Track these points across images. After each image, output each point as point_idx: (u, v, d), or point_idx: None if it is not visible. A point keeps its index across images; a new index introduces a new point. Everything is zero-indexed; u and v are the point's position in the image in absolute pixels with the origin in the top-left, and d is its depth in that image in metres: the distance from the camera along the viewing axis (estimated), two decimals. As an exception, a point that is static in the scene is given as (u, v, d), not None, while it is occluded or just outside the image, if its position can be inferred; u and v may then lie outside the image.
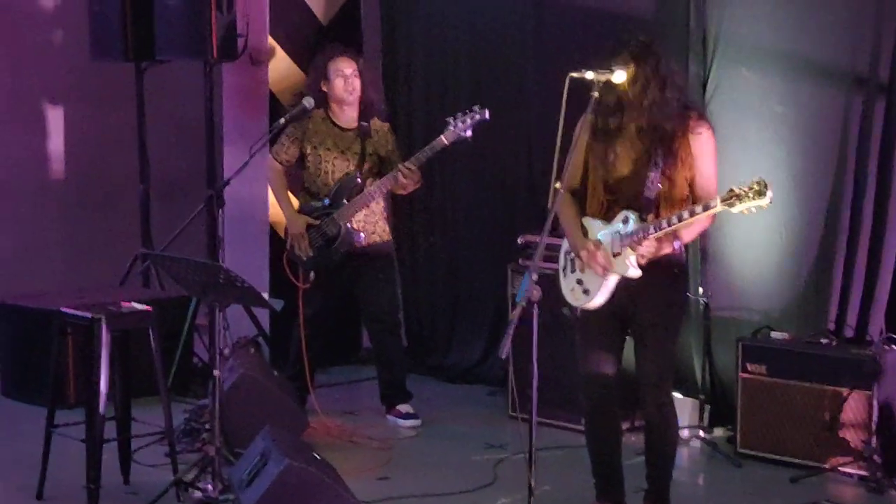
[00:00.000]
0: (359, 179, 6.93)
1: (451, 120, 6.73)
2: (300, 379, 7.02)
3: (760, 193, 4.81)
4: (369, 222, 7.00)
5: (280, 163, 7.10)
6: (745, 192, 4.83)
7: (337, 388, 7.84)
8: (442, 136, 6.73)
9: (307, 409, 6.91)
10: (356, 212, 6.91)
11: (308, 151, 7.01)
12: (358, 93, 6.97)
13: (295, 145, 7.04)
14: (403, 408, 7.12)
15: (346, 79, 6.93)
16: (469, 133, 6.71)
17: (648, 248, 5.10)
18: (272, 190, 7.25)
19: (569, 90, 4.98)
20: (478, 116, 6.68)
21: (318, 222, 6.94)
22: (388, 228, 7.14)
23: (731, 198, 4.86)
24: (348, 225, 6.90)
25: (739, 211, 4.87)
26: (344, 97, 6.96)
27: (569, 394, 6.47)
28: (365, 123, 7.00)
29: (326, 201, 6.95)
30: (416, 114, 8.29)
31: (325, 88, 6.96)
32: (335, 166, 6.96)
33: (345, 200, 6.91)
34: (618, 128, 5.20)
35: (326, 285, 7.04)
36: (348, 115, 7.02)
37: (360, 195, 6.90)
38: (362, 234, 6.94)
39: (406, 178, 6.80)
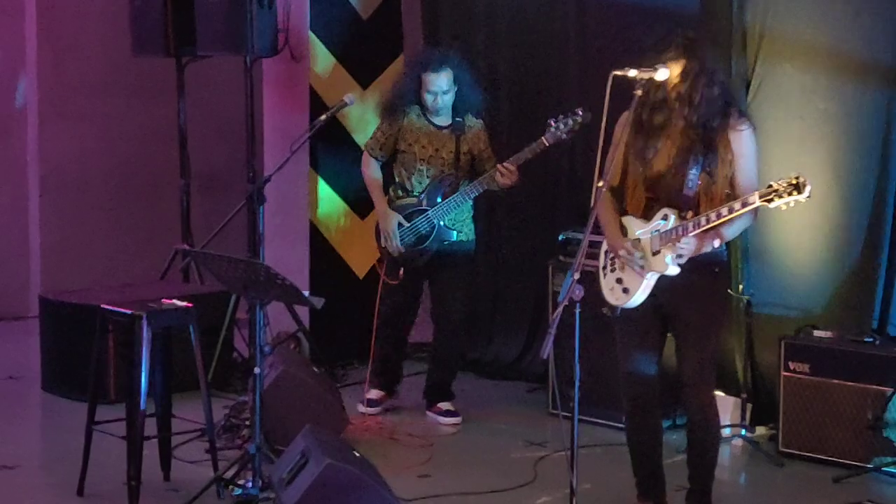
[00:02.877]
0: (454, 178, 6.89)
1: (552, 122, 6.65)
2: (386, 374, 7.19)
3: (798, 188, 4.77)
4: (458, 220, 6.96)
5: (374, 158, 7.05)
6: (783, 188, 4.79)
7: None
8: (543, 138, 6.67)
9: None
10: (450, 211, 6.88)
11: (402, 148, 6.95)
12: (448, 106, 6.90)
13: (390, 141, 6.98)
14: (444, 405, 7.12)
15: (436, 96, 6.84)
16: (570, 135, 6.66)
17: (688, 245, 5.06)
18: (366, 184, 7.14)
19: (612, 88, 4.94)
20: (580, 119, 6.61)
21: (409, 222, 6.90)
22: (473, 228, 7.07)
23: (769, 193, 4.82)
24: (441, 223, 6.89)
25: (777, 206, 4.82)
26: (432, 110, 6.91)
27: (609, 391, 6.44)
28: (459, 119, 6.93)
29: (423, 198, 6.90)
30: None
31: (418, 93, 6.90)
32: (430, 164, 6.92)
33: (439, 199, 6.88)
34: (662, 124, 5.16)
35: (409, 284, 7.05)
36: (443, 115, 6.95)
37: (455, 194, 6.86)
38: (454, 233, 6.92)
39: (504, 178, 6.73)
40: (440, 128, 6.94)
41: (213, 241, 8.01)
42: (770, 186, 4.83)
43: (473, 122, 6.97)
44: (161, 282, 8.02)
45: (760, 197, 4.85)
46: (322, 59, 8.19)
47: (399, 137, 6.94)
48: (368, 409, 7.14)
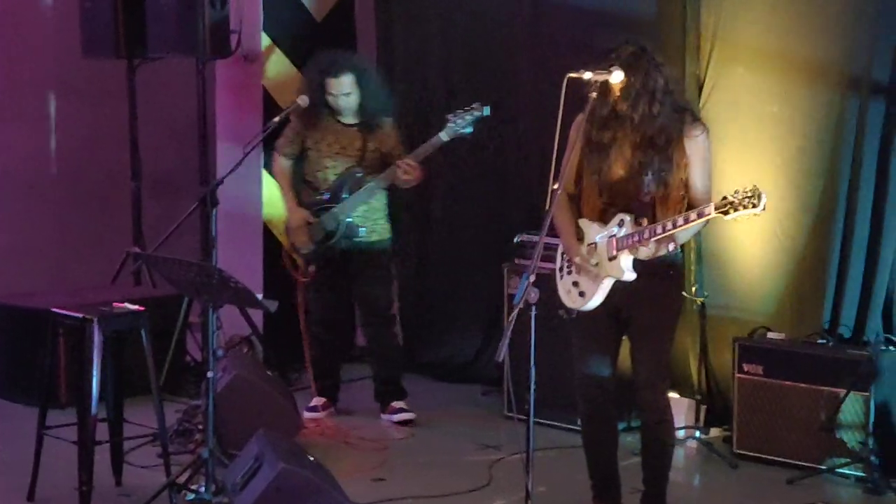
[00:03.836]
0: (359, 174, 6.92)
1: (450, 116, 6.75)
2: (323, 378, 7.15)
3: (754, 201, 4.81)
4: (370, 219, 6.99)
5: (284, 156, 7.10)
6: (738, 200, 4.83)
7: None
8: (441, 133, 6.76)
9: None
10: (356, 207, 6.91)
11: (310, 146, 7.01)
12: (353, 108, 6.96)
13: (298, 138, 7.03)
14: (398, 404, 7.12)
15: (336, 97, 6.92)
16: (469, 130, 6.75)
17: (647, 252, 5.08)
18: (277, 182, 7.23)
19: (566, 90, 4.94)
20: (477, 113, 6.72)
21: (316, 218, 6.95)
22: (388, 226, 7.11)
23: (725, 205, 4.86)
24: (348, 220, 6.90)
25: (733, 218, 4.86)
26: (338, 112, 6.97)
27: (564, 394, 6.43)
28: (368, 119, 6.98)
29: (327, 195, 6.95)
30: (410, 112, 8.24)
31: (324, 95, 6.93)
32: (336, 161, 6.96)
33: (345, 195, 6.91)
34: (610, 141, 5.18)
35: (332, 282, 7.07)
36: (350, 115, 7.00)
37: (360, 190, 6.89)
38: (362, 229, 6.95)
39: (406, 173, 6.80)
40: (347, 125, 6.99)
41: (165, 244, 7.94)
42: (726, 199, 4.85)
43: (383, 122, 7.02)
44: (112, 285, 7.95)
45: (716, 209, 4.88)
46: (275, 60, 8.16)
47: (307, 136, 6.99)
48: (307, 414, 7.06)
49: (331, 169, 6.97)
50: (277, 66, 8.16)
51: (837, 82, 6.46)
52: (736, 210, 4.84)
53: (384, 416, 7.12)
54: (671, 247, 5.16)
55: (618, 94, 5.10)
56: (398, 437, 6.91)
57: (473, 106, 6.73)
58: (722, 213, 4.87)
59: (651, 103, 5.09)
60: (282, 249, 7.24)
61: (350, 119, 6.99)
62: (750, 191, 4.81)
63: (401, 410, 7.09)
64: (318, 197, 6.98)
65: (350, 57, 7.12)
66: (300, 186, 7.11)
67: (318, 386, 7.18)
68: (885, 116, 6.31)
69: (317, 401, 7.15)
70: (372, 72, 7.16)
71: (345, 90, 6.89)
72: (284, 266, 7.24)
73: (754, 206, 4.81)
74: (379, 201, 7.03)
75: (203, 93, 7.92)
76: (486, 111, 6.70)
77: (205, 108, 7.96)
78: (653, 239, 5.03)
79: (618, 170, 5.20)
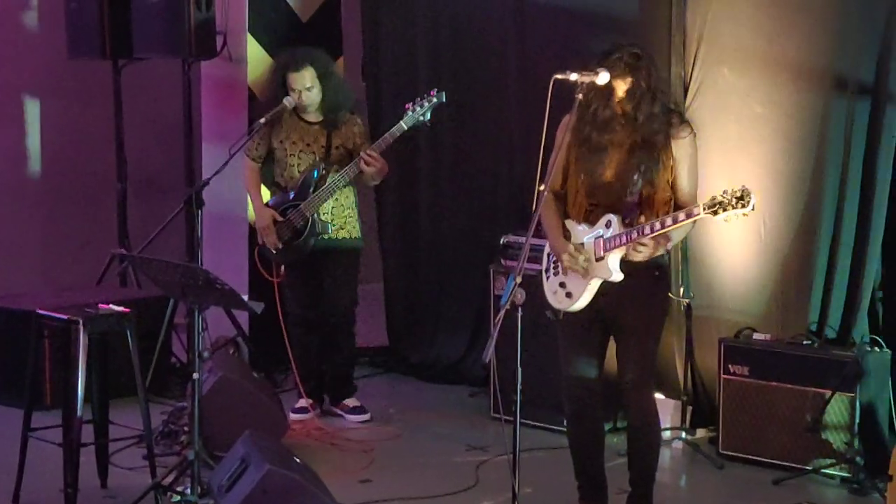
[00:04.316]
0: (323, 171, 6.92)
1: (409, 105, 6.78)
2: (309, 379, 7.14)
3: (743, 202, 4.82)
4: (338, 216, 6.99)
5: (252, 159, 7.10)
6: (727, 200, 4.84)
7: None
8: (401, 122, 6.78)
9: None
10: (322, 202, 6.90)
11: (275, 146, 7.01)
12: (315, 102, 6.95)
13: (264, 140, 7.03)
14: (350, 402, 7.17)
15: (300, 93, 6.89)
16: (427, 117, 6.78)
17: (644, 253, 5.08)
18: (245, 186, 7.25)
19: (552, 91, 4.94)
20: (435, 100, 6.78)
21: (283, 217, 6.94)
22: (358, 226, 7.09)
23: (713, 205, 4.87)
24: (315, 216, 6.90)
25: (721, 218, 4.86)
26: (301, 108, 6.96)
27: (551, 394, 6.44)
28: (332, 115, 6.98)
29: (292, 194, 6.95)
30: (397, 111, 8.22)
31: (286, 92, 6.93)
32: (301, 159, 6.96)
33: (310, 192, 6.90)
34: (609, 143, 5.18)
35: (304, 281, 7.06)
36: (313, 112, 7.00)
37: (325, 185, 6.88)
38: (330, 225, 6.94)
39: (369, 164, 6.77)
40: (311, 123, 6.99)
41: (150, 245, 7.94)
42: (714, 199, 4.86)
43: (348, 118, 7.02)
44: (98, 286, 7.93)
45: (705, 209, 4.89)
46: (261, 61, 8.14)
47: (272, 136, 6.99)
48: (293, 415, 7.05)
49: (296, 167, 6.96)
50: (263, 66, 8.14)
51: (823, 83, 6.47)
52: (725, 210, 4.85)
53: (336, 410, 7.16)
54: (669, 245, 5.18)
55: (622, 95, 5.10)
56: (385, 438, 6.89)
57: (431, 93, 6.76)
58: (711, 213, 4.88)
59: (653, 101, 5.11)
60: (255, 250, 7.23)
61: (313, 116, 6.99)
62: (739, 191, 4.83)
63: (355, 409, 7.14)
64: (285, 196, 6.98)
65: (309, 51, 7.07)
66: (272, 189, 7.12)
67: (304, 387, 7.16)
68: (871, 117, 6.31)
69: (304, 402, 7.14)
70: (332, 66, 7.14)
71: (306, 84, 6.87)
72: (256, 267, 7.22)
73: (743, 206, 4.83)
74: (347, 198, 7.02)
75: (188, 94, 7.92)
76: (443, 98, 6.76)
77: (190, 109, 7.96)
78: (649, 237, 5.03)
79: (609, 171, 5.19)
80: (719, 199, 4.85)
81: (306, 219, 6.90)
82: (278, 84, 6.95)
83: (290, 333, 7.14)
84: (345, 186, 6.92)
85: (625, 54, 5.10)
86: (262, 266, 7.17)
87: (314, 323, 7.15)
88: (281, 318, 7.07)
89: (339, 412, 7.14)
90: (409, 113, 6.77)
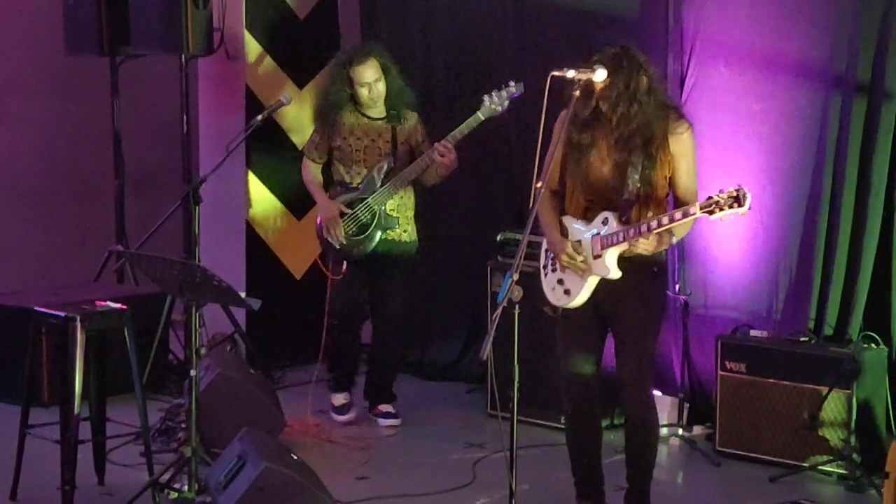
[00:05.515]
0: (393, 164, 6.78)
1: (486, 96, 6.59)
2: (347, 377, 7.10)
3: (739, 202, 4.82)
4: (402, 214, 6.87)
5: (313, 160, 6.96)
6: (724, 200, 4.84)
7: (313, 386, 7.77)
8: (478, 112, 6.60)
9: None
10: (390, 196, 6.78)
11: (337, 144, 6.85)
12: (383, 95, 6.82)
13: (324, 141, 6.90)
14: (385, 407, 7.09)
15: (369, 87, 6.76)
16: (504, 107, 6.60)
17: (650, 244, 5.08)
18: (307, 186, 7.05)
19: (549, 88, 4.94)
20: (513, 90, 6.56)
21: (350, 210, 6.80)
22: (414, 228, 6.97)
23: (710, 205, 4.88)
24: (383, 209, 6.78)
25: (717, 218, 4.87)
26: (370, 104, 6.81)
27: (548, 391, 6.45)
28: (394, 112, 6.86)
29: (363, 185, 6.79)
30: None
31: (349, 91, 6.81)
32: (367, 155, 6.82)
33: (378, 185, 6.78)
34: (590, 143, 5.19)
35: (359, 280, 6.92)
36: (377, 108, 6.87)
37: (394, 178, 6.75)
38: (397, 220, 6.81)
39: (443, 156, 6.63)
40: (374, 119, 6.86)
41: (147, 242, 7.94)
42: (711, 198, 4.87)
43: (409, 115, 6.90)
44: (95, 284, 7.93)
45: (701, 208, 4.90)
46: (258, 58, 8.14)
47: (333, 135, 6.86)
48: (340, 417, 7.03)
49: (362, 164, 6.82)
50: (260, 63, 8.15)
51: (820, 80, 6.47)
52: (721, 210, 4.86)
53: (371, 416, 7.08)
54: (674, 240, 5.20)
55: (600, 94, 5.11)
56: (382, 435, 6.90)
57: (510, 84, 6.57)
58: (707, 212, 4.89)
59: (630, 105, 5.09)
60: (320, 243, 7.01)
61: (376, 112, 6.85)
62: (735, 191, 4.83)
63: (388, 415, 7.05)
64: (351, 192, 6.83)
65: (368, 43, 7.04)
66: (332, 187, 6.97)
67: (342, 384, 7.08)
68: (867, 115, 6.32)
69: (341, 399, 7.06)
70: (392, 59, 6.95)
71: (374, 76, 6.73)
72: (319, 264, 7.09)
73: (739, 206, 4.83)
74: (410, 198, 6.91)
75: (186, 91, 7.90)
76: (522, 88, 6.53)
77: (188, 106, 7.95)
78: (653, 233, 5.03)
79: (600, 169, 5.20)
80: (715, 199, 4.86)
81: (374, 212, 6.77)
82: (340, 81, 6.80)
83: (334, 332, 7.00)
84: (414, 178, 6.76)
85: (605, 55, 5.08)
86: (322, 262, 7.07)
87: (356, 324, 7.05)
88: (328, 315, 6.95)
89: (373, 416, 7.06)
90: (486, 104, 6.59)
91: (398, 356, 7.23)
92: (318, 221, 6.95)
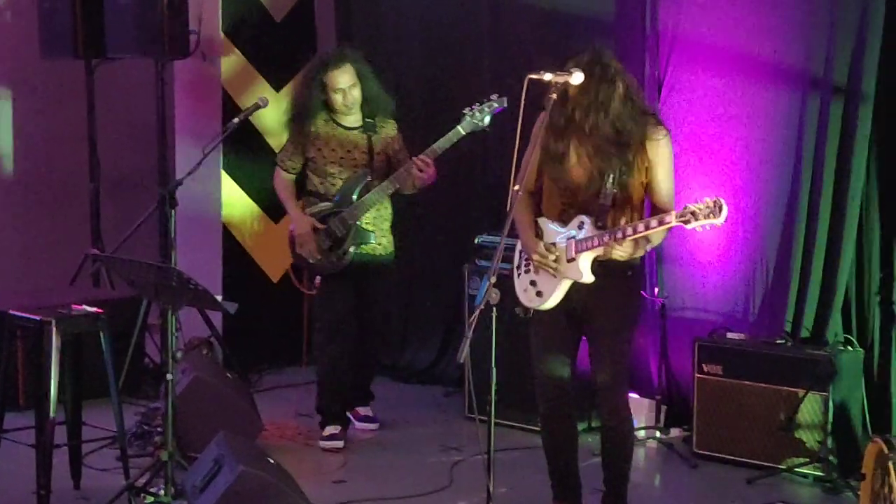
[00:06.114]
0: (369, 177, 6.57)
1: (467, 109, 6.40)
2: (339, 401, 6.79)
3: (715, 213, 4.83)
4: (379, 227, 6.66)
5: (286, 170, 6.71)
6: (700, 210, 4.86)
7: (290, 389, 7.78)
8: (459, 127, 6.39)
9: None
10: (366, 211, 6.55)
11: (311, 154, 6.61)
12: (359, 101, 6.61)
13: (298, 150, 6.65)
14: (363, 410, 7.04)
15: (344, 93, 6.55)
16: (487, 122, 6.39)
17: (623, 251, 5.09)
18: (279, 196, 6.82)
19: (526, 91, 4.93)
20: (496, 105, 6.35)
21: (323, 225, 6.57)
22: (392, 239, 6.76)
23: (686, 215, 4.88)
24: (358, 223, 6.57)
25: (693, 228, 4.88)
26: (345, 111, 6.60)
27: (525, 394, 6.43)
28: (370, 120, 6.64)
29: (337, 198, 6.57)
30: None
31: (323, 97, 6.60)
32: (342, 167, 6.58)
33: (354, 198, 6.55)
34: (566, 150, 5.19)
35: (341, 291, 6.68)
36: (353, 116, 6.65)
37: (370, 193, 6.54)
38: (374, 234, 6.61)
39: (422, 171, 6.43)
40: (350, 129, 6.64)
41: (123, 245, 7.91)
42: (687, 208, 4.88)
43: (386, 123, 6.69)
44: (71, 287, 7.89)
45: (677, 217, 4.90)
46: (234, 61, 8.13)
47: (307, 145, 6.62)
48: (327, 443, 6.68)
49: (336, 175, 6.58)
50: (236, 66, 8.13)
51: (798, 83, 6.49)
52: (697, 220, 4.87)
53: (349, 415, 6.94)
54: (648, 247, 5.21)
55: (574, 101, 5.10)
56: (359, 438, 6.88)
57: (492, 98, 6.37)
58: (683, 222, 4.90)
59: (604, 114, 5.08)
60: (293, 257, 6.79)
61: (351, 121, 6.63)
62: (712, 202, 4.84)
63: (366, 417, 6.99)
64: (325, 204, 6.59)
65: (344, 48, 6.84)
66: (305, 198, 6.75)
67: (331, 409, 6.75)
68: (844, 117, 6.34)
69: (332, 429, 6.73)
70: (368, 65, 6.72)
71: (349, 81, 6.52)
72: (291, 277, 6.99)
73: (715, 217, 4.84)
74: (387, 209, 6.69)
75: (162, 93, 7.89)
76: (504, 103, 6.31)
77: (164, 109, 7.93)
78: (629, 239, 5.04)
79: (577, 175, 5.19)
80: (692, 209, 4.87)
81: (348, 227, 6.54)
82: (315, 86, 6.59)
83: (319, 347, 6.83)
84: (391, 193, 6.56)
85: (580, 61, 5.05)
86: (294, 276, 6.99)
87: (347, 334, 6.73)
88: (315, 332, 6.84)
89: (350, 417, 6.91)
90: (468, 118, 6.38)
91: (376, 359, 7.14)
92: (290, 233, 6.76)
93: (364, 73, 6.64)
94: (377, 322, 6.91)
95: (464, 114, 6.42)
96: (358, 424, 6.99)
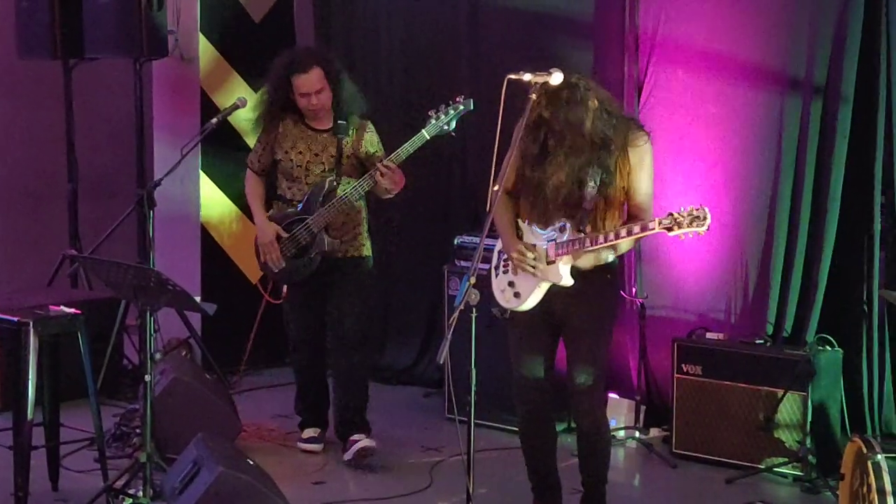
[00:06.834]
0: (334, 183, 6.31)
1: (432, 113, 6.18)
2: (313, 407, 6.67)
3: (699, 221, 4.83)
4: (348, 233, 6.40)
5: (256, 172, 6.51)
6: (683, 218, 4.85)
7: (270, 390, 7.76)
8: (423, 130, 6.17)
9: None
10: (332, 218, 6.30)
11: (279, 157, 6.40)
12: (326, 106, 6.34)
13: (267, 152, 6.44)
14: (358, 437, 6.42)
15: (309, 98, 6.27)
16: (452, 126, 6.17)
17: (587, 262, 5.11)
18: (248, 199, 6.64)
19: (505, 91, 4.92)
20: (462, 108, 6.17)
21: (288, 233, 6.35)
22: (368, 244, 6.49)
23: (669, 222, 4.87)
24: (322, 232, 6.30)
25: (676, 235, 4.88)
26: (310, 115, 6.36)
27: (505, 395, 6.42)
28: (342, 122, 6.37)
29: (299, 207, 6.35)
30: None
31: (292, 97, 6.34)
32: (309, 171, 6.34)
33: (319, 205, 6.30)
34: (546, 167, 5.17)
35: (310, 301, 6.48)
36: (322, 118, 6.40)
37: (335, 200, 6.28)
38: (338, 242, 6.34)
39: (384, 177, 6.18)
40: (319, 131, 6.40)
41: (101, 246, 7.88)
42: (671, 215, 4.87)
43: (359, 125, 6.42)
44: (48, 288, 7.85)
45: (661, 224, 4.90)
46: (213, 61, 8.10)
47: (276, 146, 6.41)
48: (307, 445, 6.59)
49: (303, 178, 6.35)
50: (215, 66, 8.11)
51: (778, 83, 6.51)
52: (680, 227, 4.87)
53: (345, 455, 6.42)
54: (610, 257, 5.21)
55: (548, 128, 5.08)
56: (338, 440, 6.86)
57: (458, 100, 6.18)
58: (665, 228, 4.89)
59: (581, 136, 5.07)
60: (260, 266, 6.62)
61: (322, 123, 6.38)
62: (696, 210, 4.84)
63: (360, 453, 6.39)
64: (291, 210, 6.38)
65: (314, 50, 6.66)
66: (274, 201, 6.52)
67: (309, 417, 6.65)
68: (824, 117, 6.36)
69: (312, 431, 6.63)
70: (341, 66, 6.49)
71: (315, 87, 6.26)
72: (260, 288, 6.96)
73: (699, 225, 4.84)
74: (358, 214, 6.42)
75: (140, 93, 7.86)
76: (471, 105, 6.16)
77: (142, 109, 7.91)
78: (592, 248, 5.04)
79: (558, 179, 5.16)
80: (676, 216, 4.86)
81: (313, 235, 6.30)
82: (282, 88, 6.34)
83: (292, 360, 6.71)
84: (357, 200, 6.34)
85: (547, 88, 4.96)
86: (261, 285, 6.91)
87: (319, 348, 6.56)
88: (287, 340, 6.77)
89: (349, 449, 6.41)
90: (433, 121, 6.16)
91: (362, 377, 6.56)
92: (255, 242, 6.54)
93: (337, 74, 6.40)
94: (352, 335, 6.43)
95: (429, 116, 6.22)
96: (346, 455, 6.45)
